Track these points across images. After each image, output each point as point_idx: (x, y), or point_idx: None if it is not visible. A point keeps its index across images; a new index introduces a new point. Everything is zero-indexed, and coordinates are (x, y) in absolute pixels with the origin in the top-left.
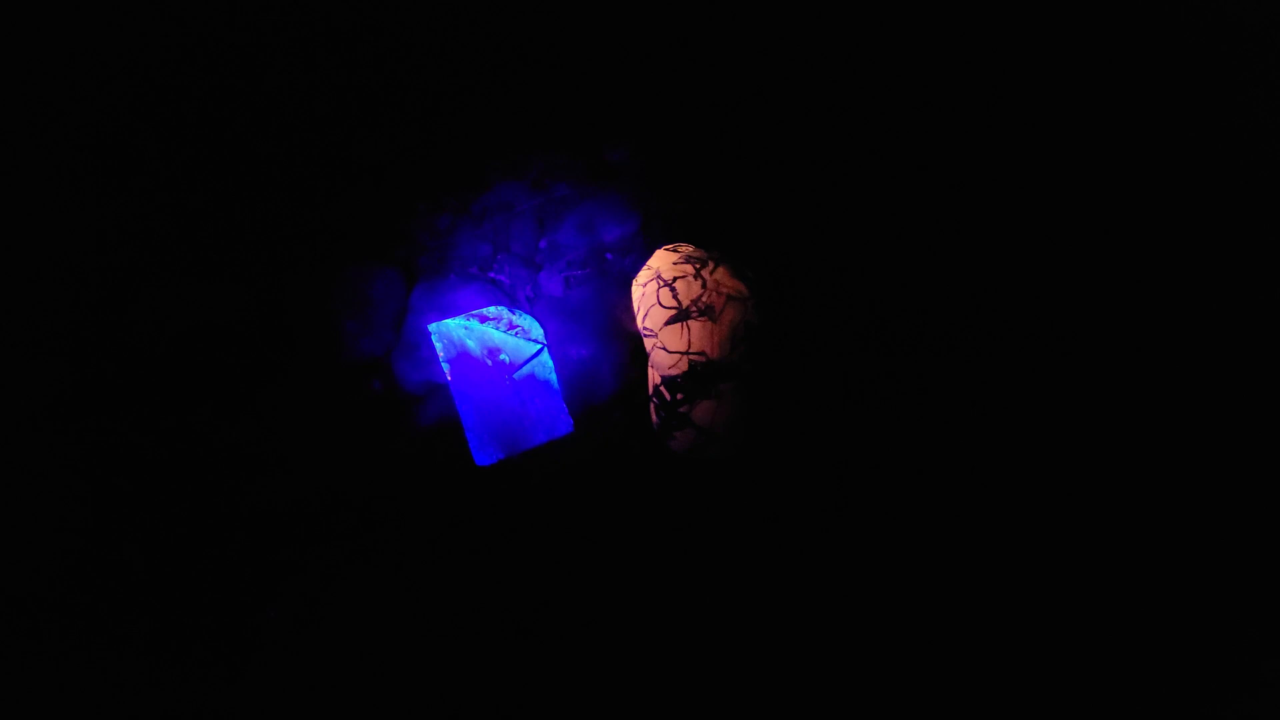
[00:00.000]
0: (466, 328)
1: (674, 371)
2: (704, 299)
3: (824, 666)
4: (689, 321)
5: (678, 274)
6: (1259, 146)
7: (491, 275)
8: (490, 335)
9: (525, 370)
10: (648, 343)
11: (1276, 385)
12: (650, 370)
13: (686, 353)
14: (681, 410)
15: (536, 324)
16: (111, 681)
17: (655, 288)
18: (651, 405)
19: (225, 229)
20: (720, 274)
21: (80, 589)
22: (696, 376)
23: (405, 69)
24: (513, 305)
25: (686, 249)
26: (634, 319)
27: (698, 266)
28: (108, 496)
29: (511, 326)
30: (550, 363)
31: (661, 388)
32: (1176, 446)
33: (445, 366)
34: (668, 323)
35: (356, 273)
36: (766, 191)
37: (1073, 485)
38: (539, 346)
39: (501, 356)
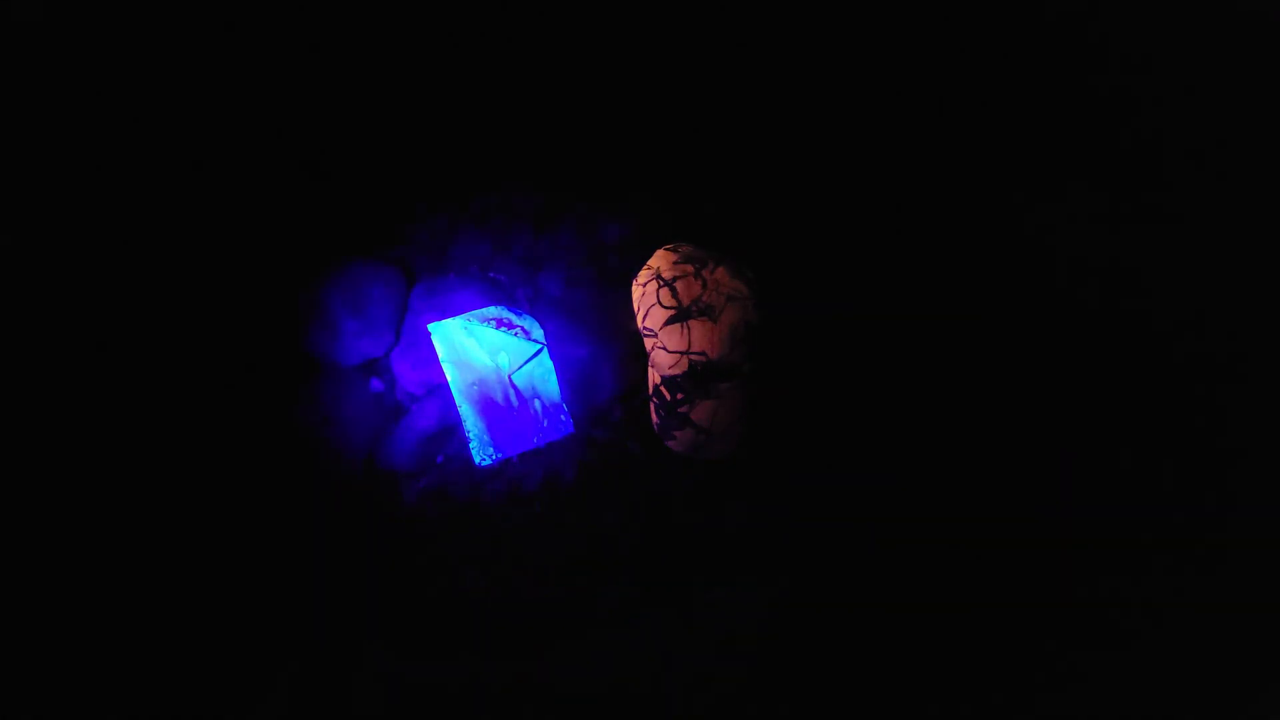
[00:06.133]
0: (466, 328)
1: (674, 371)
2: (704, 299)
3: (823, 666)
4: (689, 321)
5: (678, 274)
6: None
7: (491, 275)
8: (490, 335)
9: (525, 370)
10: (648, 343)
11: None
12: (650, 370)
13: (686, 353)
14: (681, 410)
15: (536, 324)
16: (111, 683)
17: (655, 288)
18: (651, 405)
19: (225, 229)
20: (720, 274)
21: (77, 590)
22: (696, 376)
23: (406, 68)
24: (513, 305)
25: (686, 249)
26: (634, 319)
27: (698, 266)
28: (105, 497)
29: (511, 326)
30: (550, 363)
31: (661, 388)
32: (1176, 445)
33: (445, 366)
34: (668, 323)
35: (356, 272)
36: (766, 191)
37: (1073, 485)
38: (539, 346)
39: (501, 357)
